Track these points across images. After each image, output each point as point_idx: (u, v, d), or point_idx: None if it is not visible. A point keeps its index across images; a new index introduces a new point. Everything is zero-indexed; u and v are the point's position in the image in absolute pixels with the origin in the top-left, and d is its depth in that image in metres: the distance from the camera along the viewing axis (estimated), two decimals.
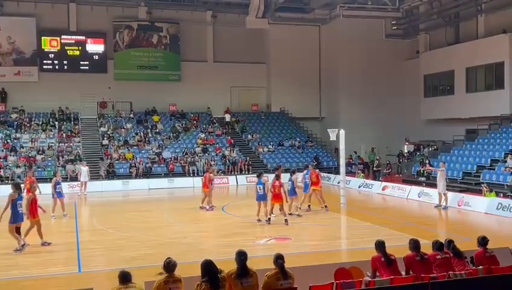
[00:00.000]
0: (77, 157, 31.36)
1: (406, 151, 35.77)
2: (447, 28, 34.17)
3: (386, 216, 18.91)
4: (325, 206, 19.60)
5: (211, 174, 21.11)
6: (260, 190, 16.91)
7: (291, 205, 18.45)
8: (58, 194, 19.32)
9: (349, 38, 37.97)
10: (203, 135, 36.06)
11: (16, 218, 13.47)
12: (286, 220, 16.74)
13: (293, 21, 38.84)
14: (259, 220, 16.91)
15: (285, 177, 20.23)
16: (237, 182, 31.72)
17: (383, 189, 25.85)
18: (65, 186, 28.10)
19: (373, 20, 38.06)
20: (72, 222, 18.30)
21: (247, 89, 40.87)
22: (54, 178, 19.96)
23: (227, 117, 38.88)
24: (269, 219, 16.78)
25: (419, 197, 22.93)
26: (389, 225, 16.69)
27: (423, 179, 27.39)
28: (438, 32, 35.21)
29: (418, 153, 33.57)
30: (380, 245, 8.16)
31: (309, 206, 19.79)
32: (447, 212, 19.82)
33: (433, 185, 23.88)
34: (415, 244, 8.22)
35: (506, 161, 24.22)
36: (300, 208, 19.20)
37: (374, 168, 31.14)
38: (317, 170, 20.34)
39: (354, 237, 15.61)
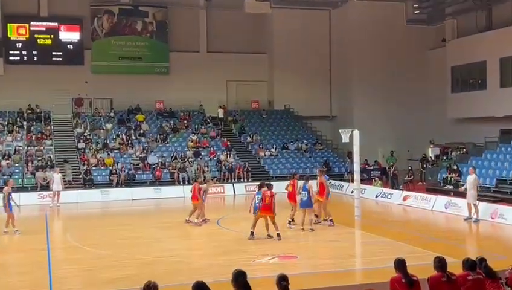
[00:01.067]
0: (49, 163, 31.35)
1: (430, 155, 35.72)
2: (477, 13, 34.17)
3: (408, 230, 18.91)
4: (327, 220, 19.72)
5: (204, 185, 21.12)
6: (258, 200, 16.99)
7: (304, 218, 18.44)
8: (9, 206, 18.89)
9: (365, 24, 37.96)
10: (195, 137, 36.08)
11: None
12: (278, 234, 16.80)
13: (299, 4, 38.90)
14: (269, 236, 16.97)
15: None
16: (234, 191, 31.71)
17: (404, 199, 25.83)
18: (35, 197, 28.42)
19: (392, 4, 38.11)
20: (42, 238, 18.27)
21: (246, 84, 40.86)
22: (6, 187, 19.72)
23: (221, 112, 38.92)
24: (252, 232, 16.88)
25: (446, 208, 22.91)
26: (411, 240, 16.69)
27: (450, 187, 27.36)
28: (467, 17, 35.22)
29: (444, 158, 33.54)
30: (400, 264, 8.14)
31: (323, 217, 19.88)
32: (478, 225, 19.80)
33: (463, 195, 23.84)
34: (440, 263, 8.20)
35: None
36: (320, 221, 19.41)
37: (391, 174, 31.12)
38: (323, 177, 20.21)
39: (370, 254, 15.60)
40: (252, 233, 16.90)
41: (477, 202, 20.47)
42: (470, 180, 20.49)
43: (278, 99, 40.71)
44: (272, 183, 18.28)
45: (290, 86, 39.94)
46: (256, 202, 17.08)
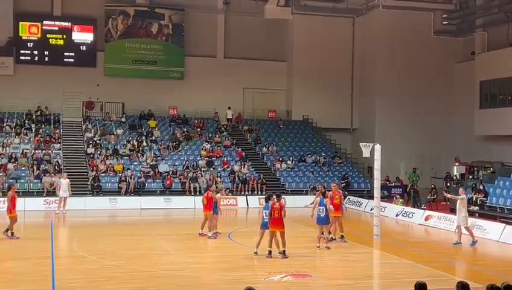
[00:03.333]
0: (56, 168, 31.59)
1: (455, 173, 35.46)
2: (509, 25, 34.01)
3: (429, 252, 18.77)
4: (342, 237, 19.76)
5: (218, 194, 21.08)
6: (266, 215, 16.86)
7: (320, 236, 18.35)
8: None
9: (390, 34, 37.97)
10: (208, 146, 36.17)
11: None
12: (284, 251, 16.64)
13: (322, 11, 38.96)
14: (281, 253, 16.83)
15: (305, 199, 20.18)
16: (248, 204, 31.69)
17: (426, 219, 25.63)
18: (41, 202, 28.64)
19: (419, 13, 38.03)
20: (47, 246, 18.40)
21: (263, 92, 40.97)
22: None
23: (229, 113, 39.02)
24: (270, 251, 16.68)
25: None
26: (433, 263, 16.56)
27: (476, 208, 27.12)
28: (498, 29, 35.04)
29: (470, 177, 33.28)
30: (421, 288, 8.09)
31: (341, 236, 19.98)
32: (474, 248, 19.65)
33: (488, 216, 23.70)
34: (463, 289, 8.13)
35: None
36: (334, 239, 19.40)
37: (412, 192, 30.84)
38: (341, 191, 20.28)
39: (388, 276, 15.50)
40: (270, 252, 16.65)
41: (469, 224, 20.25)
42: (460, 202, 20.11)
43: (296, 109, 40.72)
44: (280, 193, 18.03)
45: (309, 95, 39.95)
46: (265, 217, 16.90)
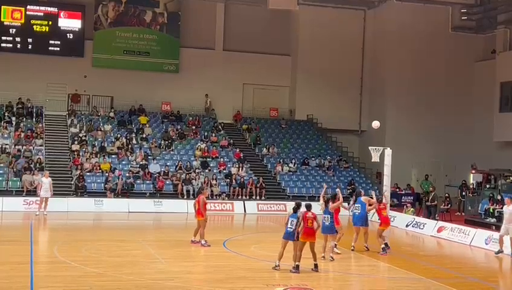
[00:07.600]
0: (38, 165, 31.56)
1: (471, 182, 35.45)
2: None
3: (441, 267, 18.76)
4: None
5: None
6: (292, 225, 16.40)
7: (325, 245, 18.31)
8: None
9: (404, 29, 37.96)
10: (203, 145, 36.17)
11: None
12: (316, 265, 16.45)
13: (330, 2, 39.05)
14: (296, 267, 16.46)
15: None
16: (245, 210, 31.69)
17: (439, 230, 25.64)
18: (20, 202, 28.57)
19: (436, 7, 38.02)
20: (25, 250, 18.36)
21: (265, 88, 40.97)
22: None
23: (208, 102, 39.32)
24: (297, 266, 16.34)
25: (486, 244, 22.68)
26: (445, 278, 16.56)
27: (493, 220, 27.11)
28: None
29: (487, 186, 33.27)
30: None
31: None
32: (488, 264, 19.78)
33: None
34: None
35: None
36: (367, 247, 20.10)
37: (428, 203, 30.85)
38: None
39: None
40: (298, 266, 16.04)
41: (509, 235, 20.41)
42: (508, 212, 20.35)
43: (300, 108, 40.74)
44: (310, 204, 17.58)
45: (314, 93, 39.99)
46: (289, 226, 16.23)
